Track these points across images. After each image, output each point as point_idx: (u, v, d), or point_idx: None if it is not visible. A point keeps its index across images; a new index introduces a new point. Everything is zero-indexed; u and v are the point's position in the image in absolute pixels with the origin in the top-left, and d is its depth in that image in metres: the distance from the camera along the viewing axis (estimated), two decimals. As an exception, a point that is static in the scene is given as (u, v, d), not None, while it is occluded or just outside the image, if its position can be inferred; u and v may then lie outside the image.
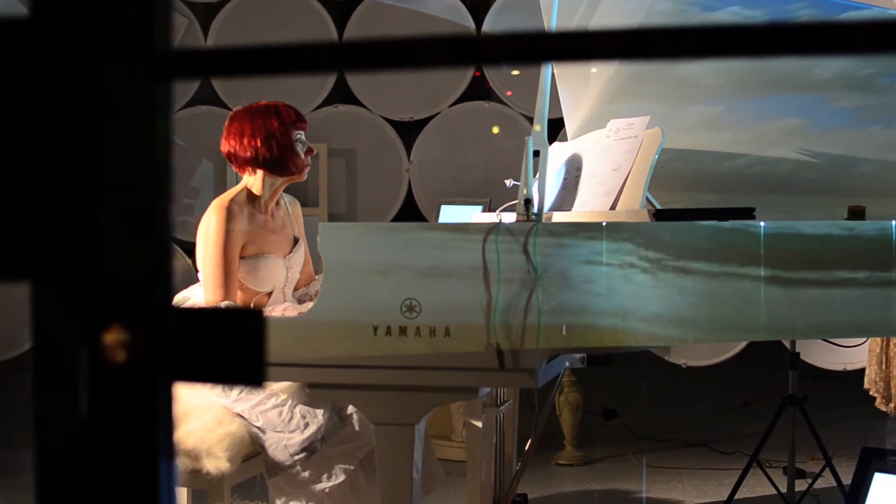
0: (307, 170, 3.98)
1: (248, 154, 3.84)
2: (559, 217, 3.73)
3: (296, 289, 4.06)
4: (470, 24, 7.86)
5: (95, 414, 0.96)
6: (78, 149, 0.93)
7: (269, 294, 3.91)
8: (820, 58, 4.04)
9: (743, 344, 7.18)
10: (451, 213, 7.24)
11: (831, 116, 4.34)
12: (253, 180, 3.90)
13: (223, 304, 3.66)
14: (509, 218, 3.59)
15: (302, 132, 3.91)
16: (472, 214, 4.81)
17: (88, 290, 0.95)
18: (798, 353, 5.12)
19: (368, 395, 3.16)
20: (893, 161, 4.24)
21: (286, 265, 3.94)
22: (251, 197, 3.91)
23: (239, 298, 3.82)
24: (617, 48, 0.93)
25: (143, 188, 0.94)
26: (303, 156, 3.90)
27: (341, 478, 3.73)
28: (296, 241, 4.06)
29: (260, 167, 3.86)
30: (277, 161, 3.85)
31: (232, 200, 3.84)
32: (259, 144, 3.83)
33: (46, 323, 0.97)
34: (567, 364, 4.29)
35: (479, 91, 8.18)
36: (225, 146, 3.89)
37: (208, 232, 3.78)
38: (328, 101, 8.12)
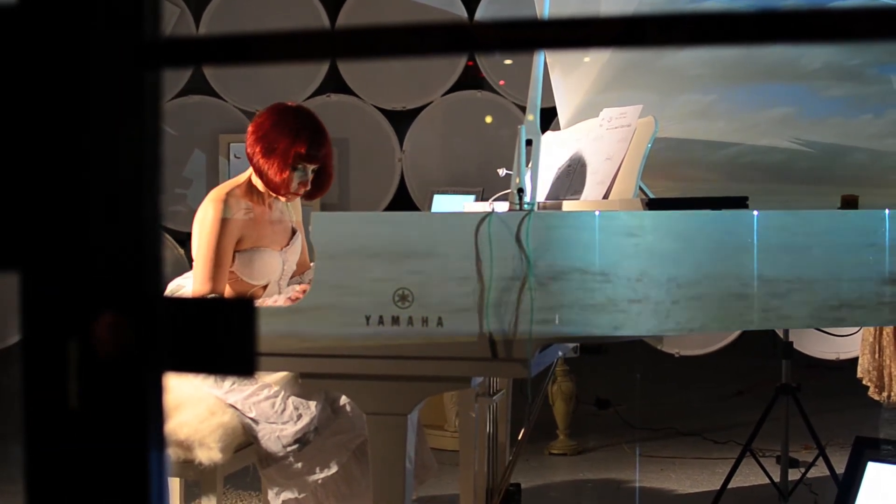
0: (295, 198, 3.91)
1: (249, 150, 3.82)
2: (569, 206, 3.72)
3: (291, 278, 4.05)
4: (462, 13, 7.85)
5: (85, 405, 0.96)
6: (66, 137, 0.92)
7: (265, 287, 3.90)
8: (810, 45, 4.04)
9: (736, 333, 7.18)
10: (443, 203, 7.23)
11: (821, 106, 4.34)
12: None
13: (209, 297, 3.65)
14: (502, 207, 3.58)
15: (308, 165, 3.80)
16: (465, 203, 4.81)
17: (78, 281, 0.95)
18: (791, 343, 5.12)
19: (361, 384, 3.16)
20: (885, 150, 4.24)
21: (282, 258, 3.92)
22: (251, 188, 3.88)
23: (234, 291, 3.81)
24: (610, 36, 0.93)
25: (131, 178, 0.93)
26: (292, 185, 3.80)
27: (334, 469, 3.73)
28: (293, 232, 4.03)
29: (252, 166, 3.84)
30: (265, 173, 3.79)
31: (229, 193, 3.82)
32: (259, 148, 3.78)
33: (35, 314, 0.97)
34: (560, 353, 4.29)
35: (471, 80, 8.17)
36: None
37: (203, 223, 3.76)
38: (320, 91, 8.11)
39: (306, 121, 3.80)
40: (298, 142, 3.75)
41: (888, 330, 5.30)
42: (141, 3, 0.93)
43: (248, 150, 3.81)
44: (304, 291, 3.28)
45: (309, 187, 3.85)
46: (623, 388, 7.33)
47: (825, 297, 3.34)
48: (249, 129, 3.84)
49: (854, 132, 4.28)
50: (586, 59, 4.49)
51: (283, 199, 3.87)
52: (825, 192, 4.10)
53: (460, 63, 8.00)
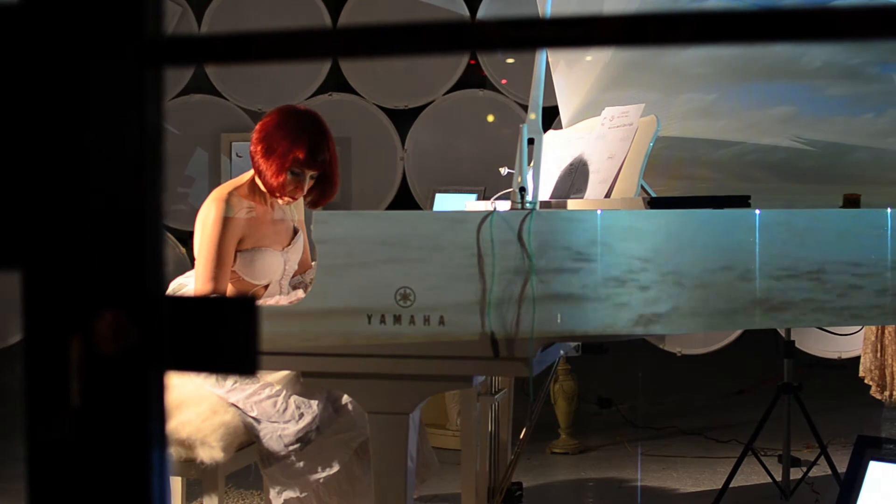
0: (289, 201, 3.90)
1: (251, 149, 3.81)
2: (571, 205, 3.72)
3: (292, 276, 4.05)
4: (464, 11, 7.84)
5: (87, 403, 0.96)
6: (68, 136, 0.92)
7: (266, 286, 3.89)
8: (811, 44, 4.04)
9: (738, 332, 7.18)
10: (445, 202, 7.23)
11: (822, 105, 4.33)
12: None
13: (210, 297, 3.65)
14: (504, 206, 3.58)
15: (306, 170, 3.78)
16: (467, 202, 4.81)
17: (79, 279, 0.95)
18: (793, 341, 5.12)
19: (363, 383, 3.16)
20: (887, 148, 4.23)
21: (284, 258, 3.92)
22: (254, 188, 3.87)
23: (235, 291, 3.81)
24: (612, 34, 0.93)
25: (133, 176, 0.93)
26: (287, 188, 3.79)
27: (336, 468, 3.73)
28: (295, 231, 4.03)
29: (253, 166, 3.83)
30: (263, 174, 3.78)
31: (231, 192, 3.81)
32: (259, 148, 3.78)
33: (37, 312, 0.97)
34: (562, 352, 4.29)
35: (473, 79, 8.17)
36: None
37: (206, 222, 3.76)
38: (322, 90, 8.11)
39: (310, 126, 3.79)
40: (298, 146, 3.74)
41: (890, 329, 5.30)
42: (143, 2, 0.93)
43: (251, 148, 3.82)
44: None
45: (305, 192, 3.85)
46: (625, 387, 7.34)
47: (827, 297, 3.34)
48: (255, 128, 3.84)
49: (855, 131, 4.28)
50: (588, 58, 4.49)
51: (279, 201, 3.87)
52: (827, 191, 4.10)
53: (462, 62, 8.00)
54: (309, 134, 3.77)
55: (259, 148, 3.77)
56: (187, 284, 3.89)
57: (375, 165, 8.06)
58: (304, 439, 3.71)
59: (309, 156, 3.75)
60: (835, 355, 7.16)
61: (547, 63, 3.85)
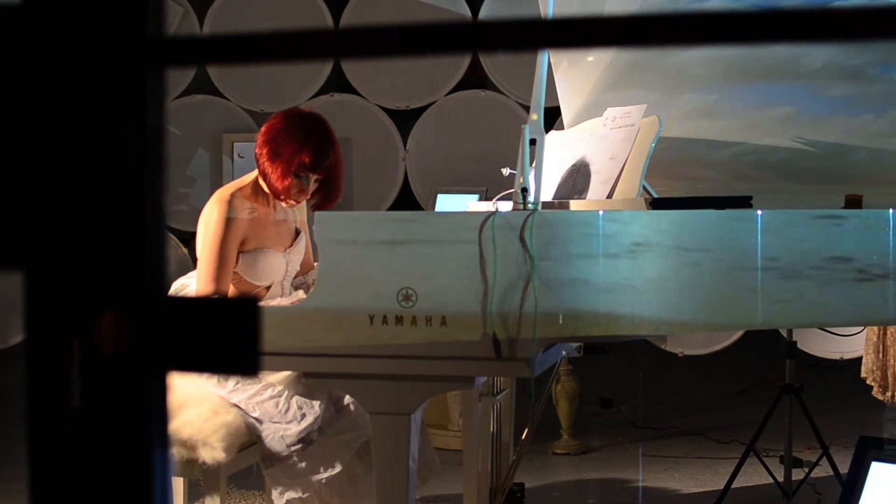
0: (293, 204, 3.92)
1: (257, 152, 3.81)
2: (573, 206, 3.72)
3: (294, 277, 4.05)
4: (466, 12, 7.84)
5: (89, 404, 0.96)
6: (69, 136, 0.93)
7: (268, 287, 3.90)
8: (811, 44, 4.04)
9: (740, 332, 7.17)
10: (447, 202, 7.22)
11: (823, 105, 4.33)
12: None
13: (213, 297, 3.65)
14: (506, 206, 3.58)
15: (311, 174, 3.80)
16: (469, 203, 4.80)
17: (81, 280, 0.95)
18: (795, 342, 5.12)
19: (364, 384, 3.15)
20: (887, 149, 4.23)
21: (286, 259, 3.92)
22: (257, 189, 3.88)
23: (237, 292, 3.81)
24: (613, 35, 0.93)
25: (135, 176, 0.93)
26: (292, 192, 3.81)
27: (338, 468, 3.73)
28: (297, 232, 4.03)
29: (258, 168, 3.83)
30: (268, 177, 3.78)
31: (233, 194, 3.81)
32: (265, 151, 3.78)
33: (39, 313, 0.97)
34: (563, 353, 4.29)
35: (475, 80, 8.16)
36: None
37: (208, 224, 3.76)
38: (324, 90, 8.10)
39: (315, 130, 3.79)
40: (304, 150, 3.74)
41: (892, 329, 5.29)
42: (145, 2, 0.93)
43: (256, 151, 3.82)
44: None
45: (309, 196, 3.85)
46: (626, 387, 7.33)
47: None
48: (261, 130, 3.84)
49: (856, 131, 4.28)
50: (590, 59, 4.49)
51: (283, 204, 3.88)
52: (828, 192, 4.10)
53: (464, 62, 7.99)
54: (314, 138, 3.77)
55: (265, 151, 3.78)
56: (189, 285, 3.89)
57: (377, 166, 8.05)
58: (306, 440, 3.71)
59: (314, 160, 3.75)
60: (836, 356, 7.14)
61: (549, 64, 3.85)
